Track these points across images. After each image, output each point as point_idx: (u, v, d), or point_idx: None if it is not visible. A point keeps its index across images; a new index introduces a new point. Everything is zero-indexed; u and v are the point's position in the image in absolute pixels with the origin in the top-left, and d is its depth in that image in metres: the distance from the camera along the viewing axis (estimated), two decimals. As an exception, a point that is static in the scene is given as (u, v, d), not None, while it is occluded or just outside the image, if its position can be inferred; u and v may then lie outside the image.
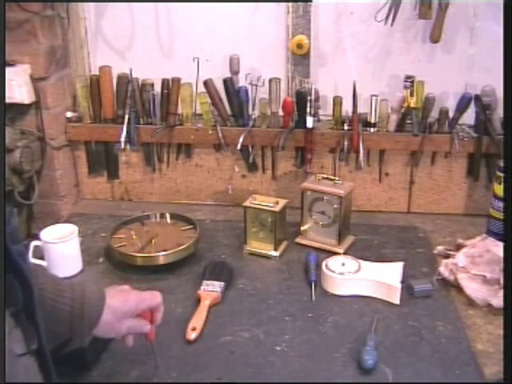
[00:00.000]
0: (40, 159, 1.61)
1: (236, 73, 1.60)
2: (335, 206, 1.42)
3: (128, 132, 1.64)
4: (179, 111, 1.65)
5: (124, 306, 0.94)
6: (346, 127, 1.59)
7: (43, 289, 0.84)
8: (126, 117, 1.63)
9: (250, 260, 1.43)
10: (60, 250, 1.31)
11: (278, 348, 1.10)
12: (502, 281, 1.21)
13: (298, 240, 1.50)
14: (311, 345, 1.11)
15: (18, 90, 1.49)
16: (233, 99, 1.61)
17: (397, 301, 1.23)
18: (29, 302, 0.67)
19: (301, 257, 1.41)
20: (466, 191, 1.66)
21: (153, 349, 1.01)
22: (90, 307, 0.88)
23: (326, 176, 1.47)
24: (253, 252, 1.44)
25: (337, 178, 1.46)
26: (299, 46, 1.57)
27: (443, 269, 1.31)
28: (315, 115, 1.58)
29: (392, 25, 1.49)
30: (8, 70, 1.46)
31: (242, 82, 1.61)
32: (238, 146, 1.60)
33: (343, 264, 1.30)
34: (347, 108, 1.60)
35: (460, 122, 1.57)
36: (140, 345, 1.10)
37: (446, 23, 1.48)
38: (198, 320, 1.16)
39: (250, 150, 1.65)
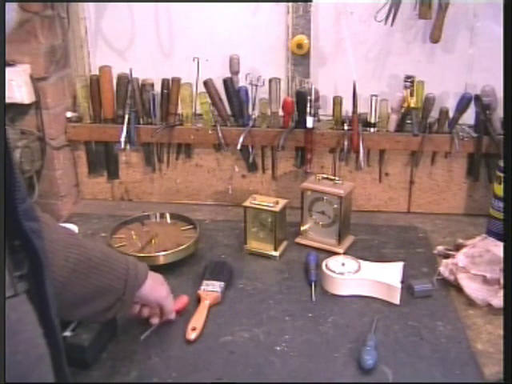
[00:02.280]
0: (40, 159, 1.61)
1: (236, 73, 1.60)
2: (335, 206, 1.42)
3: (128, 132, 1.64)
4: (179, 111, 1.65)
5: (160, 284, 1.11)
6: (346, 127, 1.59)
7: (91, 249, 0.95)
8: (126, 117, 1.63)
9: (250, 260, 1.43)
10: (60, 249, 1.31)
11: (278, 348, 1.10)
12: (502, 281, 1.21)
13: (298, 240, 1.50)
14: (311, 345, 1.11)
15: (18, 89, 1.49)
16: (233, 99, 1.61)
17: (397, 301, 1.23)
18: (39, 280, 0.67)
19: (301, 257, 1.41)
20: (466, 191, 1.66)
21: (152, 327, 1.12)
22: (139, 266, 1.04)
23: (326, 176, 1.47)
24: (253, 252, 1.44)
25: (337, 178, 1.46)
26: (299, 45, 1.57)
27: (443, 269, 1.31)
28: (315, 115, 1.58)
29: (392, 25, 1.49)
30: (8, 70, 1.46)
31: (242, 82, 1.61)
32: (238, 146, 1.60)
33: (343, 264, 1.30)
34: (347, 108, 1.60)
35: (460, 122, 1.57)
36: (140, 345, 1.10)
37: (446, 23, 1.48)
38: (197, 320, 1.16)
39: (250, 150, 1.65)
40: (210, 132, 1.64)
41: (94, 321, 1.04)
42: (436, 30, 1.48)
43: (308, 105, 1.54)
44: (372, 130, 1.59)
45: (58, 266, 0.89)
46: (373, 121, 1.58)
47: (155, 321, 1.12)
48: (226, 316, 1.20)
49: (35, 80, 1.52)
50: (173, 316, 1.15)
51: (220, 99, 1.61)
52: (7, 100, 1.47)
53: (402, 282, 1.25)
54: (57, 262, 0.89)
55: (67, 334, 1.05)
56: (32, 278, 0.65)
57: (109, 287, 0.97)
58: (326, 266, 1.30)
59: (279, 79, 1.59)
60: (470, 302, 1.23)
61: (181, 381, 1.02)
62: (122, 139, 1.63)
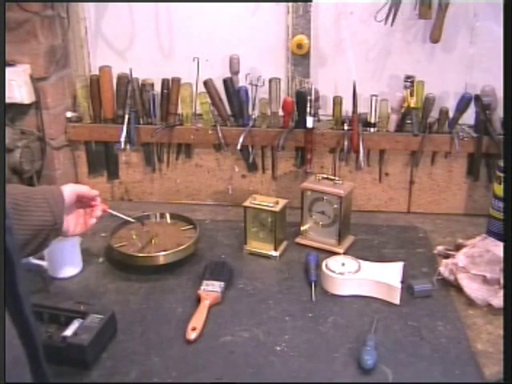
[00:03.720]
0: (40, 159, 1.61)
1: (236, 73, 1.60)
2: (335, 206, 1.42)
3: (128, 132, 1.64)
4: (179, 111, 1.65)
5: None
6: (346, 127, 1.59)
7: (14, 193, 0.99)
8: (126, 117, 1.63)
9: (250, 260, 1.43)
10: (60, 249, 1.31)
11: (278, 348, 1.10)
12: (501, 281, 1.21)
13: (298, 240, 1.49)
14: (311, 345, 1.11)
15: (18, 89, 1.49)
16: (233, 99, 1.61)
17: (397, 301, 1.23)
18: (11, 279, 0.66)
19: (301, 257, 1.41)
20: (466, 191, 1.66)
21: None
22: (55, 192, 1.08)
23: (326, 176, 1.47)
24: (253, 252, 1.44)
25: (337, 178, 1.46)
26: (299, 45, 1.57)
27: (443, 269, 1.30)
28: (315, 115, 1.58)
29: (392, 25, 1.49)
30: (8, 70, 1.46)
31: (242, 82, 1.61)
32: (238, 146, 1.60)
33: (343, 264, 1.30)
34: (347, 108, 1.60)
35: (460, 122, 1.57)
36: (140, 345, 1.10)
37: (446, 23, 1.48)
38: (198, 320, 1.16)
39: (250, 150, 1.65)
40: (209, 132, 1.64)
41: (33, 254, 1.09)
42: (436, 30, 1.48)
43: (308, 105, 1.54)
44: (372, 129, 1.59)
45: None
46: (373, 121, 1.58)
47: (97, 213, 1.21)
48: (226, 316, 1.20)
49: (35, 80, 1.52)
50: (94, 192, 1.20)
51: (220, 99, 1.61)
52: (7, 100, 1.47)
53: (402, 282, 1.25)
54: None
55: (67, 333, 1.05)
56: (3, 277, 0.63)
57: (41, 223, 1.01)
58: (326, 266, 1.30)
59: (279, 79, 1.59)
60: (470, 302, 1.23)
61: (181, 381, 1.02)
62: (122, 139, 1.63)
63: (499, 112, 1.52)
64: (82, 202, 1.19)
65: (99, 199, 1.23)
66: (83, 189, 1.18)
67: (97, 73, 1.65)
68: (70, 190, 1.12)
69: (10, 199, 0.97)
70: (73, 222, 1.15)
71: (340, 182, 1.45)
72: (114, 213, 1.32)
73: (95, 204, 1.21)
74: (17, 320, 0.64)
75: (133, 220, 1.40)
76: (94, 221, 1.21)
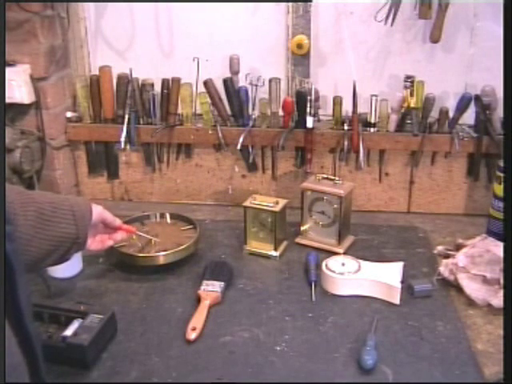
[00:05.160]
0: (40, 159, 1.61)
1: (236, 73, 1.60)
2: (335, 206, 1.42)
3: (128, 132, 1.64)
4: (179, 111, 1.65)
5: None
6: (346, 127, 1.59)
7: (41, 202, 0.97)
8: (126, 117, 1.63)
9: (250, 260, 1.43)
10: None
11: (278, 348, 1.10)
12: (502, 281, 1.21)
13: (298, 240, 1.49)
14: (311, 345, 1.11)
15: (18, 90, 1.49)
16: (233, 99, 1.61)
17: (397, 301, 1.23)
18: (11, 286, 0.64)
19: (301, 257, 1.41)
20: (466, 191, 1.66)
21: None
22: (83, 203, 1.07)
23: (326, 176, 1.47)
24: (253, 252, 1.44)
25: (337, 178, 1.46)
26: (299, 45, 1.57)
27: (443, 269, 1.30)
28: (315, 115, 1.58)
29: (392, 25, 1.49)
30: (8, 70, 1.46)
31: (242, 82, 1.61)
32: (238, 146, 1.60)
33: (343, 264, 1.30)
34: (347, 108, 1.60)
35: (460, 122, 1.57)
36: (140, 345, 1.11)
37: (446, 23, 1.48)
38: (197, 320, 1.16)
39: (250, 150, 1.65)
40: (210, 132, 1.64)
41: (53, 265, 1.07)
42: (436, 30, 1.48)
43: (308, 105, 1.54)
44: (372, 130, 1.59)
45: (21, 226, 0.91)
46: (373, 121, 1.58)
47: (117, 237, 1.21)
48: (226, 316, 1.20)
49: (35, 80, 1.52)
50: (118, 222, 1.20)
51: (220, 99, 1.61)
52: (7, 100, 1.47)
53: (402, 282, 1.25)
54: (19, 221, 0.91)
55: (67, 333, 1.05)
56: (4, 284, 0.62)
57: (64, 234, 1.00)
58: (326, 266, 1.30)
59: (279, 79, 1.59)
60: (470, 302, 1.23)
61: (181, 381, 1.02)
62: (122, 139, 1.63)
63: (499, 112, 1.52)
64: (104, 225, 1.18)
65: (124, 226, 1.23)
66: (109, 217, 1.17)
67: (97, 73, 1.65)
68: (98, 212, 1.11)
69: (36, 207, 0.95)
70: (91, 237, 1.13)
71: (340, 182, 1.45)
72: (142, 234, 1.37)
73: (118, 228, 1.21)
74: (16, 328, 0.63)
75: (156, 239, 1.40)
76: (111, 243, 1.20)
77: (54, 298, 1.24)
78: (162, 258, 1.34)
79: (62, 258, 1.03)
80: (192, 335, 1.11)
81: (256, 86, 1.59)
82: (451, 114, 1.56)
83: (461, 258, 1.30)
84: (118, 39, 1.68)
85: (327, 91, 1.64)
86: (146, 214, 1.53)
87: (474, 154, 1.59)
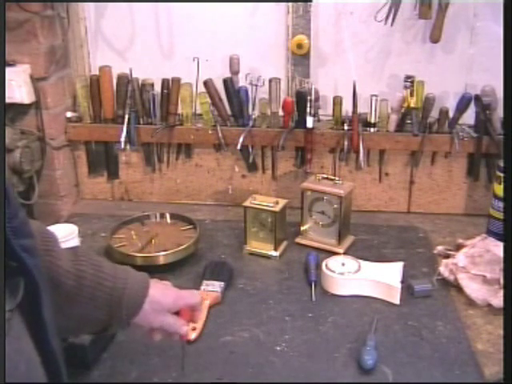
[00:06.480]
0: (40, 159, 1.61)
1: (236, 73, 1.60)
2: (335, 206, 1.42)
3: (128, 132, 1.64)
4: (179, 111, 1.65)
5: (163, 300, 0.91)
6: (346, 127, 1.59)
7: (83, 277, 0.83)
8: (126, 117, 1.63)
9: (249, 260, 1.43)
10: (60, 250, 1.31)
11: (278, 348, 1.10)
12: (502, 281, 1.21)
13: (298, 240, 1.50)
14: (311, 345, 1.11)
15: (18, 89, 1.49)
16: (233, 99, 1.61)
17: (397, 301, 1.23)
18: (35, 303, 0.61)
19: (301, 257, 1.41)
20: (466, 191, 1.66)
21: (183, 349, 0.97)
22: (131, 297, 0.86)
23: (326, 176, 1.47)
24: (253, 252, 1.44)
25: (337, 178, 1.46)
26: (299, 45, 1.57)
27: (443, 269, 1.31)
28: (315, 115, 1.58)
29: (392, 25, 1.49)
30: (8, 70, 1.46)
31: (242, 82, 1.61)
32: (238, 146, 1.60)
33: (343, 264, 1.30)
34: (347, 108, 1.60)
35: (460, 122, 1.57)
36: (140, 345, 1.10)
37: (446, 23, 1.48)
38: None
39: (250, 150, 1.65)
40: (210, 132, 1.64)
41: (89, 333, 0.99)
42: (436, 30, 1.48)
43: (308, 105, 1.54)
44: (372, 129, 1.59)
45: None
46: (373, 121, 1.58)
47: (183, 329, 0.94)
48: (226, 316, 1.20)
49: (35, 80, 1.52)
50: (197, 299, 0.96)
51: (220, 99, 1.61)
52: (7, 100, 1.47)
53: (402, 282, 1.25)
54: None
55: (67, 334, 1.05)
56: (27, 300, 0.59)
57: (93, 317, 0.85)
58: (326, 265, 1.30)
59: (279, 79, 1.59)
60: (470, 302, 1.23)
61: (181, 381, 1.02)
62: (122, 139, 1.63)
63: (499, 112, 1.52)
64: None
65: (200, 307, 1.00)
66: (185, 300, 0.94)
67: (97, 73, 1.65)
68: (172, 302, 0.92)
69: (77, 269, 0.82)
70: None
71: (340, 181, 1.45)
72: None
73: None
74: (41, 347, 0.61)
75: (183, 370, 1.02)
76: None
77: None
78: (161, 257, 1.34)
79: (98, 333, 0.90)
80: (192, 335, 1.11)
81: (256, 85, 1.59)
82: (451, 114, 1.56)
83: (461, 257, 1.30)
84: (118, 39, 1.68)
85: (327, 91, 1.64)
86: (145, 214, 1.54)
87: (473, 154, 1.59)
